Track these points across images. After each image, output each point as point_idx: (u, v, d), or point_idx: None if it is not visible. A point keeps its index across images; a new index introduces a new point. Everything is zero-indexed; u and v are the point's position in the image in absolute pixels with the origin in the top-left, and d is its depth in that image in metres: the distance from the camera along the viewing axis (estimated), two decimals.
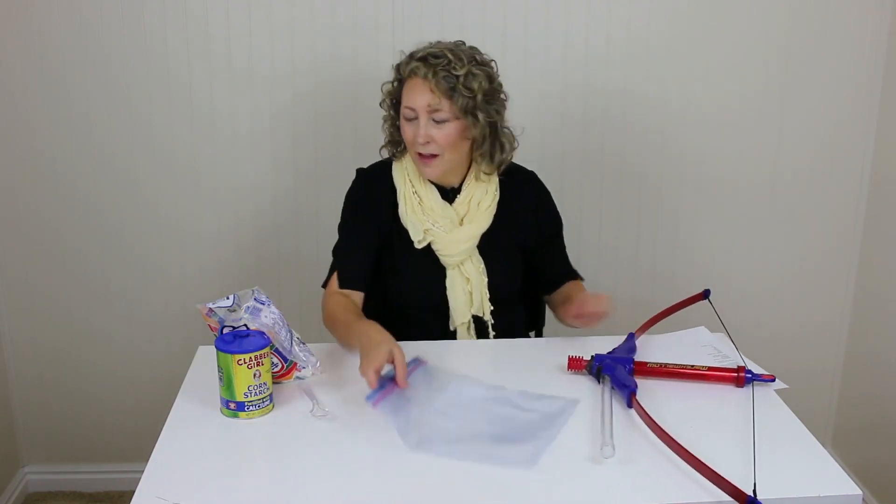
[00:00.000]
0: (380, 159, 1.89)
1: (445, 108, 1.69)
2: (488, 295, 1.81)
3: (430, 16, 2.20)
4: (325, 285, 1.85)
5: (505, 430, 1.40)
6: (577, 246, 2.38)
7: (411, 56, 1.72)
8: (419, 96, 1.69)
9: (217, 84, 2.23)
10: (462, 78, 1.68)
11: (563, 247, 1.95)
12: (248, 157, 2.30)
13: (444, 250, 1.78)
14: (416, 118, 1.70)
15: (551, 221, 1.92)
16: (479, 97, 1.69)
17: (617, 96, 2.29)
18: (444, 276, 1.80)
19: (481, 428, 1.40)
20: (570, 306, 1.74)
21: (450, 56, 1.68)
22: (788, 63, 2.29)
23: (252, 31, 2.20)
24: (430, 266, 1.80)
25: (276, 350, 1.53)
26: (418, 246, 1.78)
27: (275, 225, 2.35)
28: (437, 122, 1.69)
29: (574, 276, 1.93)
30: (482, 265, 1.81)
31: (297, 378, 1.57)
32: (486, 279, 1.81)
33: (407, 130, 1.73)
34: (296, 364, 1.56)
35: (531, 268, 1.89)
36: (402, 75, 1.73)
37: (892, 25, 2.27)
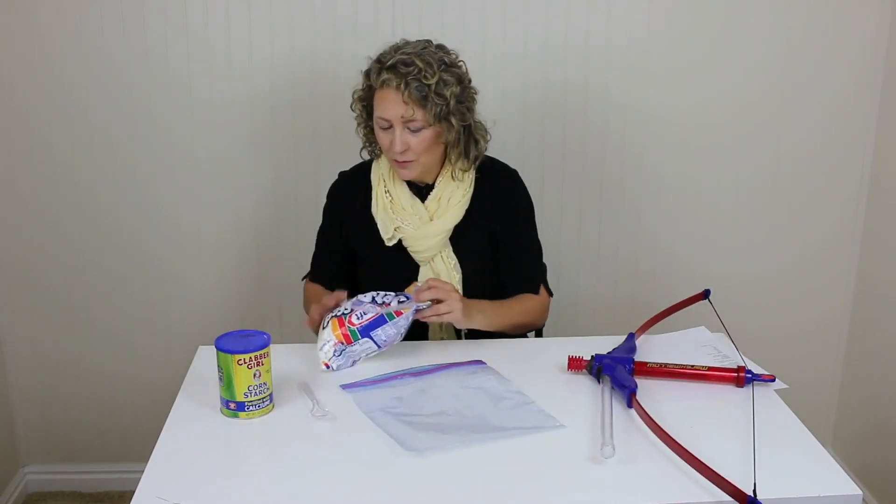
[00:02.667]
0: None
1: (419, 117, 1.69)
2: (460, 291, 1.81)
3: (431, 15, 2.20)
4: (304, 278, 1.99)
5: (497, 409, 1.45)
6: (576, 247, 2.39)
7: (380, 63, 1.71)
8: (392, 107, 1.69)
9: (217, 84, 2.23)
10: (434, 86, 1.68)
11: (529, 251, 1.91)
12: (248, 156, 2.30)
13: (413, 246, 1.81)
14: (391, 127, 1.71)
15: (518, 217, 1.88)
16: (452, 103, 1.70)
17: (616, 100, 2.29)
18: (416, 273, 1.82)
19: (476, 412, 1.43)
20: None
21: (420, 64, 1.67)
22: (789, 64, 2.29)
23: (252, 32, 2.20)
24: (403, 262, 1.82)
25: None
26: (388, 243, 1.81)
27: (275, 225, 2.35)
28: (413, 131, 1.70)
29: (531, 287, 1.88)
30: (454, 261, 1.82)
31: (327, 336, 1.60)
32: (459, 275, 1.82)
33: (383, 139, 1.74)
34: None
35: (499, 261, 1.88)
36: (372, 84, 1.73)
37: (893, 26, 2.27)
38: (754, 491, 1.17)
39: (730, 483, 1.18)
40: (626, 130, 2.32)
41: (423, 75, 1.67)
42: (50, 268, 2.36)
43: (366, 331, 1.59)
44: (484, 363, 1.63)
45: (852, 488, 1.24)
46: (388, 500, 1.23)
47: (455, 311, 1.64)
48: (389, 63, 1.69)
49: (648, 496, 1.23)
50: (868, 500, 2.39)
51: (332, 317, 1.61)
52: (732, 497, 1.17)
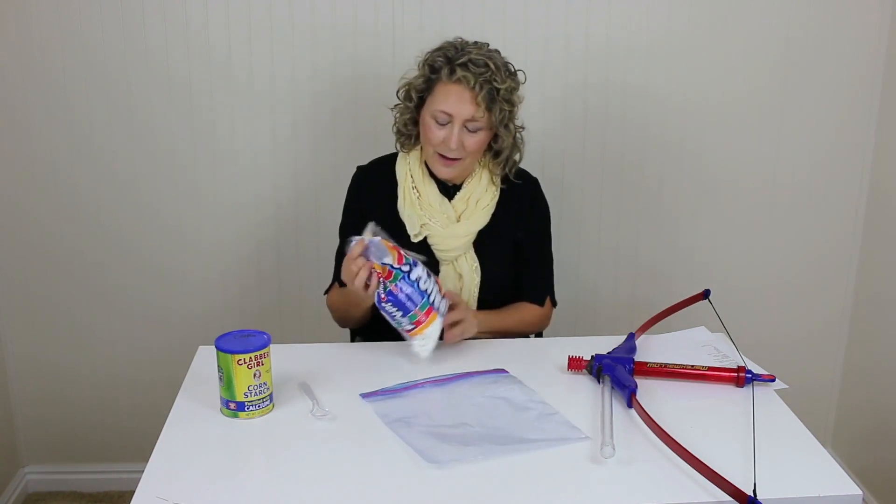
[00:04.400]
0: (380, 155, 1.90)
1: (484, 120, 1.69)
2: (477, 294, 1.81)
3: (430, 16, 2.20)
4: (327, 292, 1.89)
5: (520, 420, 1.41)
6: (577, 246, 2.39)
7: (448, 58, 1.69)
8: (463, 106, 1.68)
9: (217, 89, 2.23)
10: (503, 91, 1.68)
11: (542, 261, 1.91)
12: (248, 159, 2.30)
13: (439, 245, 1.79)
14: (449, 123, 1.69)
15: (538, 225, 1.89)
16: (516, 110, 1.72)
17: (617, 96, 2.29)
18: (438, 271, 1.81)
19: (498, 423, 1.40)
20: None
21: (492, 66, 1.67)
22: (789, 62, 2.29)
23: (252, 39, 2.20)
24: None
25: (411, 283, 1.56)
26: (415, 240, 1.78)
27: (275, 226, 2.35)
28: (470, 131, 1.70)
29: (538, 298, 1.88)
30: (476, 263, 1.81)
31: (417, 343, 1.59)
32: (479, 278, 1.81)
33: (436, 133, 1.71)
34: (431, 313, 1.58)
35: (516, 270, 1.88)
36: (438, 76, 1.70)
37: (893, 26, 2.27)
38: (754, 491, 1.17)
39: (730, 483, 1.18)
40: (626, 131, 2.32)
41: (495, 78, 1.67)
42: (50, 269, 2.36)
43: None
44: (507, 372, 1.60)
45: (852, 488, 1.24)
46: (388, 501, 1.23)
47: (469, 332, 1.68)
48: (461, 60, 1.67)
49: (648, 496, 1.22)
50: (868, 500, 2.39)
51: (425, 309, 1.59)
52: (732, 497, 1.17)
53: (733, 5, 2.24)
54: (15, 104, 2.22)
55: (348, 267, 1.57)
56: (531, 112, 2.26)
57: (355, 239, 1.57)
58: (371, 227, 1.57)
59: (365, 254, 1.56)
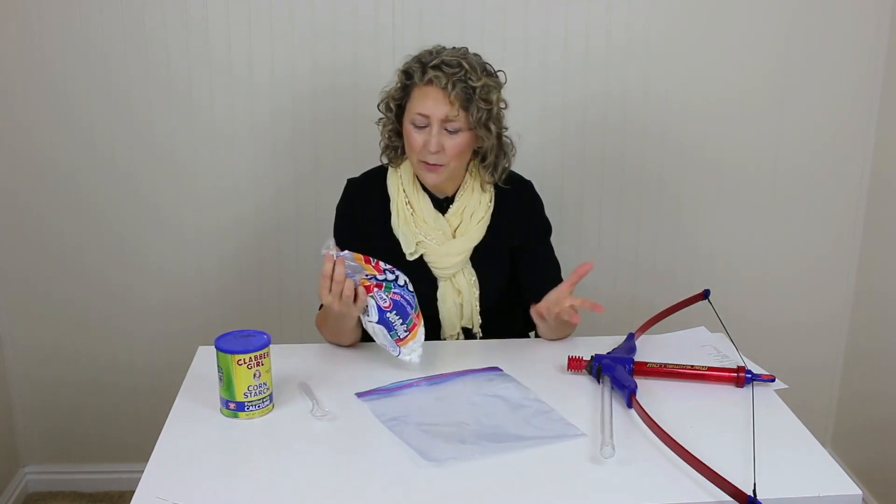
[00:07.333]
0: (373, 166, 1.87)
1: (461, 119, 1.66)
2: (479, 308, 1.79)
3: (431, 21, 2.20)
4: (321, 308, 1.80)
5: (516, 417, 1.42)
6: (577, 246, 2.39)
7: (422, 62, 1.68)
8: (437, 106, 1.65)
9: (217, 87, 2.23)
10: (479, 90, 1.66)
11: (550, 256, 1.88)
12: (248, 158, 2.30)
13: (436, 263, 1.76)
14: (428, 126, 1.67)
15: (536, 226, 1.85)
16: (495, 109, 1.69)
17: (617, 96, 2.29)
18: (436, 288, 1.77)
19: (494, 421, 1.41)
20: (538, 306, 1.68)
21: (466, 66, 1.66)
22: (789, 60, 2.29)
23: (252, 36, 2.20)
24: (421, 277, 1.74)
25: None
26: (410, 258, 1.75)
27: (275, 225, 2.35)
28: (450, 132, 1.67)
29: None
30: (474, 277, 1.78)
31: (410, 350, 1.58)
32: (478, 292, 1.79)
33: (416, 138, 1.68)
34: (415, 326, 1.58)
35: (519, 275, 1.84)
36: (413, 80, 1.69)
37: (893, 25, 2.27)
38: (754, 491, 1.17)
39: (730, 483, 1.18)
40: (625, 131, 2.32)
41: (468, 77, 1.65)
42: (51, 269, 2.35)
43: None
44: (501, 370, 1.60)
45: (852, 488, 1.25)
46: (388, 500, 1.23)
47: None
48: (434, 63, 1.66)
49: (648, 496, 1.23)
50: (868, 500, 2.39)
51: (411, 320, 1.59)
52: (732, 497, 1.17)
53: (733, 2, 2.24)
54: (15, 102, 2.22)
55: (335, 288, 1.52)
56: (531, 111, 2.26)
57: (334, 254, 1.52)
58: (332, 242, 1.54)
59: (347, 273, 1.54)
